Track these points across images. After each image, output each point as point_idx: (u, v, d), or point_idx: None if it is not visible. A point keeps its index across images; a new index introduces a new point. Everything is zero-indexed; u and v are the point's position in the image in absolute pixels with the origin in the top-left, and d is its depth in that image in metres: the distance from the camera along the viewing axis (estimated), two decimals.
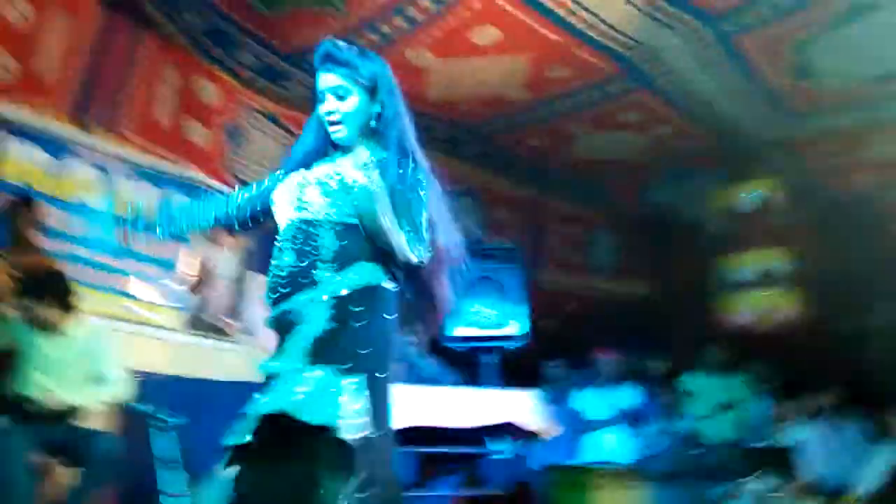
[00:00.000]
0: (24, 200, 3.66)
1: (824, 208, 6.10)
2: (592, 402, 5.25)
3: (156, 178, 4.53)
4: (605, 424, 5.11)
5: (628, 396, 5.26)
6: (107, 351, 3.29)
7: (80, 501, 2.94)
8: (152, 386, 3.96)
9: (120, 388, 3.24)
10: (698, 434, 5.03)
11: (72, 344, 3.21)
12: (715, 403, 5.06)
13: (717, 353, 5.27)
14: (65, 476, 3.13)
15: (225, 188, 4.85)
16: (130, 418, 3.57)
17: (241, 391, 5.00)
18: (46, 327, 3.15)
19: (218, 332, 4.73)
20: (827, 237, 6.14)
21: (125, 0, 4.30)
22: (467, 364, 5.09)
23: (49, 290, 3.19)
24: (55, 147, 4.10)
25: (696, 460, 4.68)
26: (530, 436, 4.28)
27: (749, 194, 5.75)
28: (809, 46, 4.44)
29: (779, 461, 4.32)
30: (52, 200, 4.01)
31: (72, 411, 3.10)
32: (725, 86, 4.85)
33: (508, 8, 4.07)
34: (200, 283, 4.69)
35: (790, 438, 4.71)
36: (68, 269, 3.75)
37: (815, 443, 4.63)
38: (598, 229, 7.26)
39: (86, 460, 2.95)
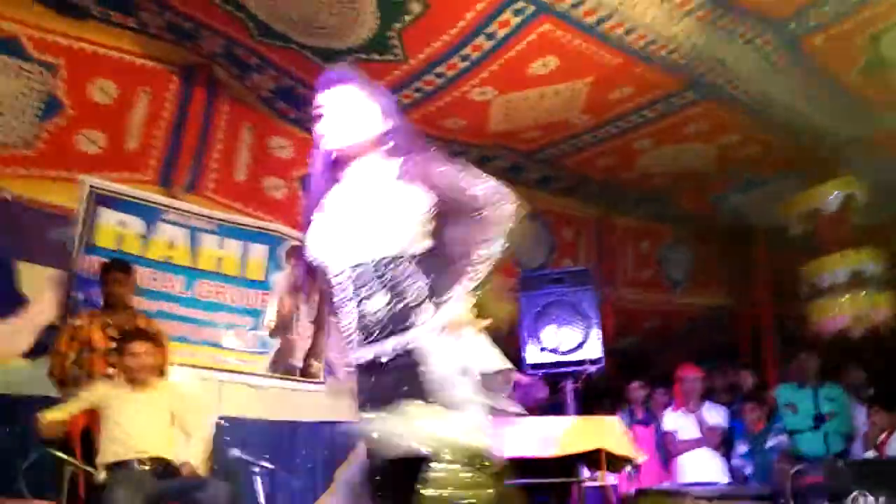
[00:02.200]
0: (116, 264, 3.89)
1: None
2: (680, 422, 5.12)
3: (238, 233, 4.74)
4: (696, 445, 4.97)
5: (717, 414, 5.11)
6: (193, 405, 3.46)
7: None
8: (241, 431, 4.11)
9: (204, 443, 3.39)
10: (795, 449, 4.82)
11: (160, 399, 3.39)
12: (811, 415, 4.85)
13: (810, 362, 5.05)
14: None
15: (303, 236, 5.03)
16: (224, 464, 3.66)
17: (326, 431, 5.14)
18: (137, 383, 3.35)
19: (303, 374, 4.87)
20: None
21: (199, 68, 4.56)
22: (549, 392, 5.06)
23: (141, 335, 3.42)
24: (144, 212, 4.37)
25: (795, 477, 4.45)
26: (620, 461, 4.19)
27: (831, 194, 5.53)
28: (881, 39, 4.27)
29: (886, 474, 4.07)
30: (144, 262, 4.27)
31: (167, 464, 3.27)
32: (796, 88, 4.70)
33: (566, 37, 4.09)
34: (283, 328, 4.85)
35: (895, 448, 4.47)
36: (160, 326, 3.98)
37: None
38: (671, 243, 7.12)
39: None
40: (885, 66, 4.52)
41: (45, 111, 4.06)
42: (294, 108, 4.88)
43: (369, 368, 1.62)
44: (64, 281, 3.97)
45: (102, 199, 4.25)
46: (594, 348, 4.87)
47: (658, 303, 6.97)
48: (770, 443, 4.90)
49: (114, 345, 3.64)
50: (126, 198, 4.33)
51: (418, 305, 1.59)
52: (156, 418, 3.35)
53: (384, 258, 1.61)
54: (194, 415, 3.45)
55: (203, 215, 4.60)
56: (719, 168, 5.83)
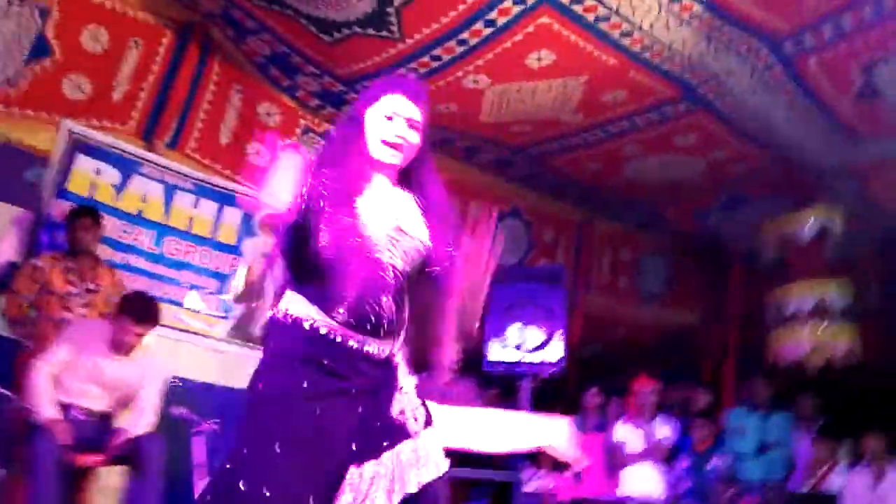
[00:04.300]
0: (86, 211, 3.85)
1: (886, 238, 5.85)
2: (629, 434, 5.13)
3: (215, 195, 4.69)
4: (642, 458, 4.99)
5: (667, 429, 5.13)
6: (154, 380, 3.41)
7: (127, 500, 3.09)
8: (192, 392, 4.08)
9: (152, 417, 3.35)
10: (737, 472, 4.86)
11: (129, 368, 3.34)
12: (757, 441, 4.88)
13: (762, 388, 5.07)
14: (112, 475, 3.28)
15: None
16: (165, 421, 3.64)
17: None
18: (122, 348, 3.29)
19: (262, 344, 4.82)
20: (888, 269, 5.88)
21: (195, 27, 4.51)
22: (505, 388, 5.04)
23: (145, 316, 3.32)
24: (122, 163, 4.32)
25: (731, 499, 4.48)
26: (564, 465, 4.18)
27: (808, 222, 5.56)
28: (875, 69, 4.30)
29: None
30: (115, 213, 4.22)
31: (107, 422, 3.28)
32: (787, 109, 4.72)
33: (564, 32, 4.08)
34: (249, 295, 4.80)
35: (834, 483, 4.51)
36: (125, 279, 3.95)
37: (859, 488, 4.43)
38: (649, 254, 7.14)
39: (133, 461, 3.11)
40: (875, 96, 4.55)
41: (33, 52, 4.01)
42: (286, 76, 4.84)
43: (334, 347, 1.58)
44: (31, 222, 3.92)
45: (81, 146, 4.20)
46: (556, 350, 4.86)
47: (629, 313, 6.98)
48: (712, 463, 4.94)
49: (73, 290, 3.61)
50: (104, 147, 4.28)
51: (402, 324, 1.67)
52: (116, 385, 3.31)
53: (400, 271, 1.66)
54: (150, 388, 3.39)
55: (180, 173, 4.56)
56: (705, 183, 5.85)
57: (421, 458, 1.60)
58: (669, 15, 3.92)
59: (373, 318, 1.58)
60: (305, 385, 1.52)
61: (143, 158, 4.41)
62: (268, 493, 1.42)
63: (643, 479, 4.92)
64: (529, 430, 3.82)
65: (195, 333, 4.47)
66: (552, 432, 3.95)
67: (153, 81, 4.47)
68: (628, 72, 4.43)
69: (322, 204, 1.56)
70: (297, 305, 1.60)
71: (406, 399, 1.65)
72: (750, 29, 4.03)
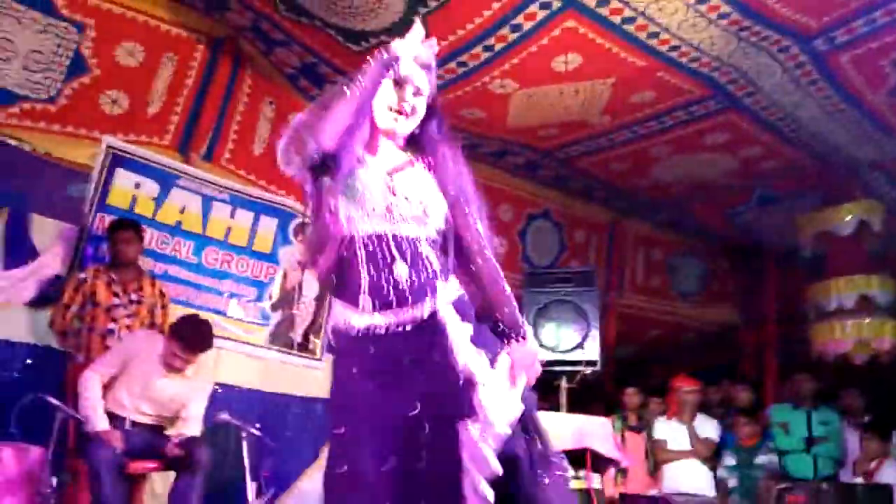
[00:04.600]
0: (127, 224, 3.93)
1: None
2: (672, 431, 5.11)
3: (250, 204, 4.78)
4: (686, 455, 4.96)
5: (710, 427, 5.10)
6: (202, 396, 3.49)
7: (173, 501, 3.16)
8: (234, 398, 4.15)
9: (197, 429, 3.42)
10: (784, 469, 4.80)
11: (180, 385, 3.40)
12: (803, 437, 4.83)
13: (806, 383, 5.02)
14: (161, 482, 3.37)
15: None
16: (213, 427, 3.71)
17: (317, 407, 5.13)
18: (173, 368, 3.35)
19: (301, 349, 4.90)
20: None
21: (226, 41, 4.61)
22: (542, 388, 5.05)
23: (195, 343, 3.35)
24: (160, 176, 4.42)
25: (779, 495, 4.45)
26: (607, 463, 4.19)
27: (847, 217, 5.48)
28: None
29: (871, 500, 4.08)
30: (156, 225, 4.32)
31: (159, 432, 3.36)
32: (820, 105, 4.66)
33: (590, 34, 4.08)
34: (286, 302, 4.89)
35: (886, 477, 4.45)
36: (165, 288, 4.05)
37: None
38: (683, 253, 7.08)
39: (182, 465, 3.18)
40: None
41: (70, 69, 4.11)
42: (316, 86, 4.91)
43: (376, 336, 1.61)
44: (75, 236, 4.03)
45: (120, 160, 4.31)
46: (592, 350, 4.86)
47: (664, 312, 6.94)
48: (759, 459, 4.89)
49: (118, 301, 3.71)
50: (143, 160, 4.38)
51: (434, 280, 1.63)
52: (166, 402, 3.38)
53: (412, 237, 1.65)
54: (197, 402, 3.46)
55: (216, 184, 4.65)
56: (735, 181, 5.80)
57: (495, 405, 1.54)
58: (697, 15, 3.89)
59: (392, 293, 1.59)
60: (358, 371, 1.60)
61: (180, 171, 4.51)
62: (345, 469, 1.52)
63: (688, 475, 4.91)
64: (571, 429, 3.84)
65: (236, 340, 4.55)
66: (593, 431, 3.95)
67: (187, 95, 4.56)
68: (656, 72, 4.41)
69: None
70: (336, 312, 1.67)
71: (464, 351, 1.59)
72: (779, 26, 3.98)
